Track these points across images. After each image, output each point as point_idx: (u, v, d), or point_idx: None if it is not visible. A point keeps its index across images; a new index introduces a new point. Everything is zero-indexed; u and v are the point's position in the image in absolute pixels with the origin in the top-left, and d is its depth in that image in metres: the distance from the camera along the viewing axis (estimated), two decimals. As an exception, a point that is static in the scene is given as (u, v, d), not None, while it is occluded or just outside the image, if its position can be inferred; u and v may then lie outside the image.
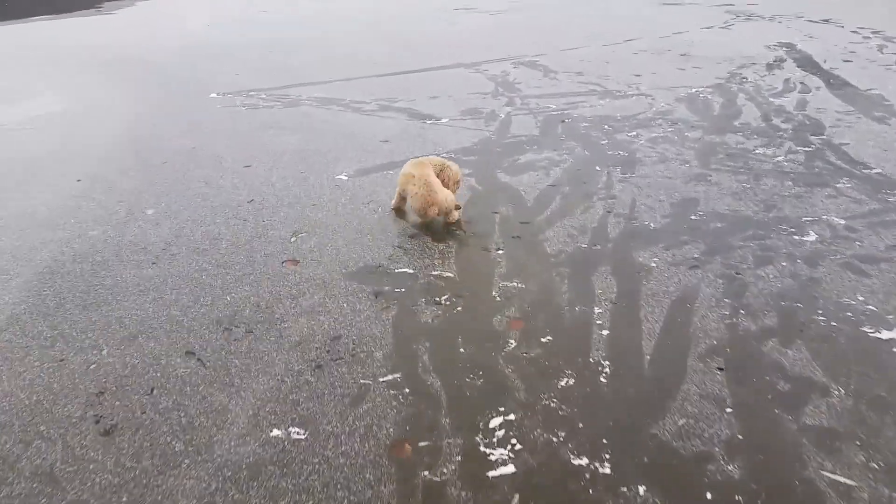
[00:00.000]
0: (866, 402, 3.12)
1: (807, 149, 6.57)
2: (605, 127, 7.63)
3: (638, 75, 10.38)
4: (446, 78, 10.67)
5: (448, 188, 5.51)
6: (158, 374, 3.44)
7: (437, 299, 4.05)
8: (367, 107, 8.95)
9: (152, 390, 3.32)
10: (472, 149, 7.03)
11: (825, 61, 10.83)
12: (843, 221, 4.89)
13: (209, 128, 8.18)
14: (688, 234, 4.82)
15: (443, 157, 5.76)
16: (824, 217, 4.98)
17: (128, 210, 5.66)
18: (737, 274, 4.23)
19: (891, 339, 3.53)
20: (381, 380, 3.32)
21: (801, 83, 9.38)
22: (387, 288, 4.21)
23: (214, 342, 3.69)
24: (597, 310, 3.87)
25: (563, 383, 3.24)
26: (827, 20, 15.78)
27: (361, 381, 3.31)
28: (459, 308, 3.95)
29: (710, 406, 3.10)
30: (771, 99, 8.59)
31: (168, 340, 3.73)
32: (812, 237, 4.66)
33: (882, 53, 11.36)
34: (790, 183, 5.69)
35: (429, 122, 8.15)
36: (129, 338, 3.78)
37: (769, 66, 10.63)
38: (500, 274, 4.35)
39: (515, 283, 4.21)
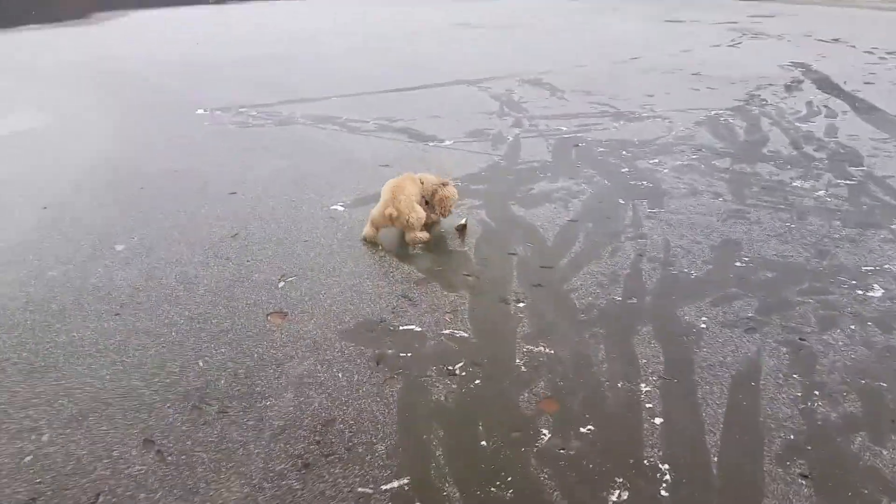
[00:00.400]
0: None
1: (848, 182, 5.97)
2: (623, 153, 7.02)
3: (650, 95, 9.81)
4: (447, 96, 10.07)
5: (439, 210, 5.02)
6: (108, 473, 2.76)
7: (451, 368, 3.40)
8: (364, 126, 8.32)
9: (98, 497, 2.64)
10: (480, 176, 6.40)
11: (845, 83, 10.30)
12: (912, 273, 4.28)
13: (193, 148, 7.52)
14: (736, 285, 4.19)
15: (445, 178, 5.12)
16: (887, 267, 4.37)
17: (95, 245, 4.98)
18: (801, 340, 3.59)
19: None
20: (383, 487, 2.65)
21: (826, 106, 8.82)
22: (390, 351, 3.55)
23: (180, 427, 3.01)
24: (644, 387, 3.23)
25: (614, 497, 2.58)
26: (836, 39, 15.32)
27: (359, 488, 2.64)
28: (478, 381, 3.30)
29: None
30: (797, 124, 8.01)
31: (124, 422, 3.06)
32: (878, 292, 4.04)
33: (904, 75, 10.83)
34: (839, 223, 5.08)
35: (431, 144, 7.52)
36: (77, 417, 3.10)
37: (788, 88, 10.08)
38: (524, 334, 3.70)
39: (542, 348, 3.56)
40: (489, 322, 3.84)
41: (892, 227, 4.99)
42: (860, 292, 4.06)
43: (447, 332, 3.73)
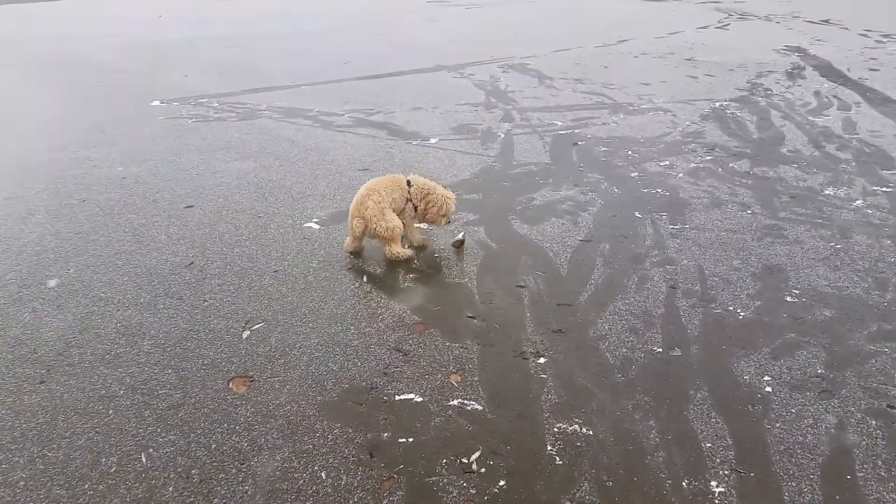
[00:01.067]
0: None
1: (886, 189, 5.35)
2: (629, 153, 6.32)
3: (646, 84, 9.12)
4: (428, 83, 9.25)
5: (430, 218, 4.38)
6: None
7: (466, 461, 2.66)
8: (339, 120, 7.49)
9: None
10: (473, 182, 5.64)
11: (849, 70, 9.72)
12: None
13: (146, 149, 6.62)
14: (793, 329, 3.52)
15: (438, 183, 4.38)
16: (964, 301, 3.74)
17: (22, 281, 4.14)
18: (890, 408, 2.93)
19: None
20: None
21: (836, 97, 8.22)
22: (386, 436, 2.81)
23: (110, 570, 2.24)
24: (716, 486, 2.53)
25: None
26: (826, 21, 14.80)
27: None
28: (502, 482, 2.57)
29: None
30: (811, 118, 7.39)
31: (34, 561, 2.27)
32: (967, 338, 3.40)
33: (907, 61, 10.30)
34: (889, 242, 4.44)
35: (415, 142, 6.73)
36: (-30, 553, 2.30)
37: (790, 75, 9.47)
38: (551, 406, 2.98)
39: (577, 427, 2.84)
40: (506, 387, 3.11)
41: (951, 246, 4.37)
42: (943, 338, 3.42)
43: (455, 402, 2.99)
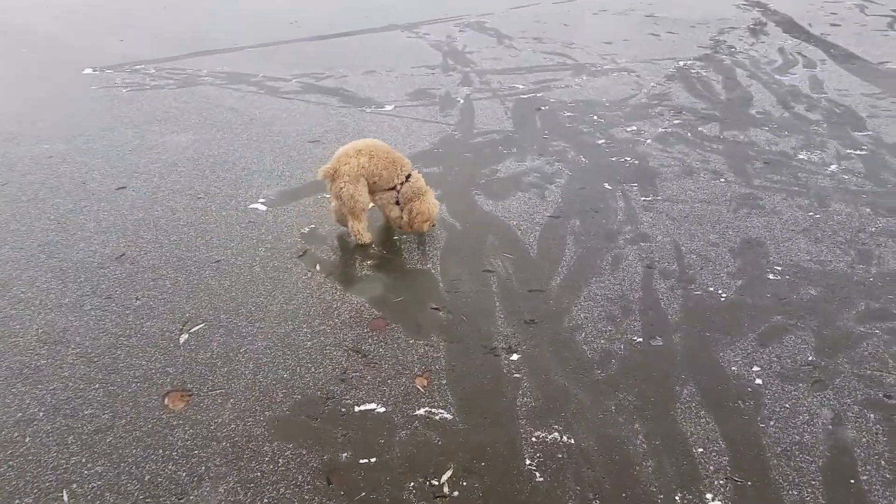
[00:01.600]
0: None
1: (859, 152, 5.17)
2: (594, 118, 6.02)
3: (608, 43, 8.78)
4: (380, 44, 8.74)
5: (414, 226, 3.91)
6: None
7: (436, 483, 2.38)
8: (286, 86, 6.98)
9: None
10: (432, 153, 5.28)
11: (810, 25, 9.54)
12: (983, 284, 3.50)
13: (76, 122, 6.05)
14: (779, 311, 3.31)
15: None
16: (952, 274, 3.57)
17: (-76, 279, 3.66)
18: (887, 398, 2.74)
19: None
20: None
21: (800, 54, 8.02)
22: (345, 456, 2.50)
23: None
24: (712, 500, 2.30)
25: None
26: (783, -26, 14.56)
27: None
28: (478, 505, 2.29)
29: None
30: (777, 77, 7.17)
31: None
32: (957, 315, 3.24)
33: (867, 15, 10.17)
34: (869, 210, 4.26)
35: (369, 109, 6.31)
36: None
37: (753, 31, 9.24)
38: (528, 410, 2.70)
39: (557, 435, 2.58)
40: (477, 390, 2.82)
41: (931, 213, 4.21)
42: (934, 316, 3.25)
43: (422, 412, 2.70)
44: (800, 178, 4.75)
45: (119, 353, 3.05)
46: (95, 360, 3.01)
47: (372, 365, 2.96)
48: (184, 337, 3.15)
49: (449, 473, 2.42)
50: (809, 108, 6.18)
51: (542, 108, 6.29)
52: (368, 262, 3.78)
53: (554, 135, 5.63)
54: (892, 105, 6.24)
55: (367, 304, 3.39)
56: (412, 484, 2.37)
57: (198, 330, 3.19)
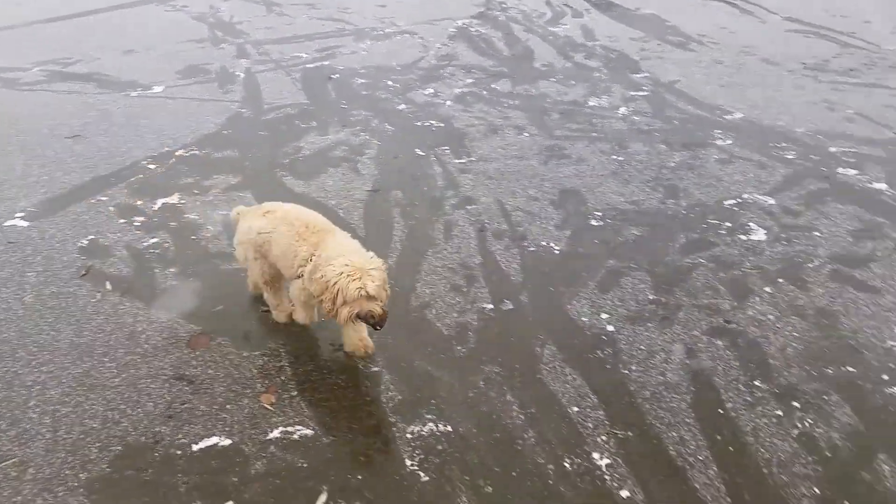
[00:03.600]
0: None
1: (641, 93, 5.52)
2: (389, 83, 5.80)
3: (382, 6, 8.58)
4: (135, 21, 7.72)
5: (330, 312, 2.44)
6: None
7: (312, 512, 2.05)
8: (26, 76, 5.88)
9: None
10: (222, 136, 4.73)
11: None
12: (771, 200, 3.87)
13: None
14: (610, 255, 3.37)
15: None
16: (746, 197, 3.91)
17: None
18: (727, 323, 2.89)
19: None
20: None
21: (566, 5, 8.45)
22: (195, 506, 2.07)
23: None
24: (600, 459, 2.23)
25: None
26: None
27: None
28: (365, 528, 2.01)
29: None
30: (551, 29, 7.48)
31: None
32: (760, 234, 3.54)
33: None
34: (664, 146, 4.55)
35: (135, 93, 5.51)
36: None
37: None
38: (395, 405, 2.46)
39: (432, 425, 2.37)
40: (334, 395, 2.51)
41: (717, 143, 4.59)
42: (743, 237, 3.51)
43: (276, 434, 2.33)
44: (595, 124, 4.94)
45: None
46: None
47: (202, 391, 2.50)
48: (-58, 401, 2.44)
49: (323, 498, 2.10)
50: (588, 57, 6.49)
51: (333, 76, 5.93)
52: (171, 270, 3.23)
53: (352, 104, 5.32)
54: (657, 47, 6.77)
55: (180, 321, 2.88)
56: (279, 526, 2.02)
57: (-40, 389, 2.49)
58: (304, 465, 2.21)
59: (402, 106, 5.29)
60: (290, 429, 2.34)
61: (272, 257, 2.63)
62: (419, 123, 4.96)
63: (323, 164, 4.31)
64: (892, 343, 2.77)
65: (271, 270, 2.71)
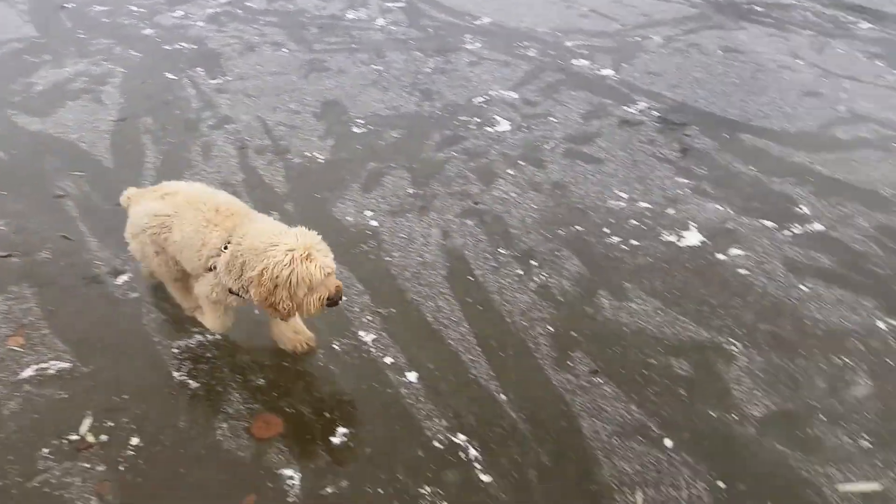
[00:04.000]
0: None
1: (398, 4, 5.59)
2: (133, 8, 5.37)
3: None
4: None
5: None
6: None
7: (75, 437, 2.02)
8: None
9: None
10: (-68, 79, 4.13)
11: None
12: (514, 94, 4.19)
13: None
14: (372, 158, 3.51)
15: None
16: (493, 94, 4.19)
17: None
18: (476, 205, 3.16)
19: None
20: None
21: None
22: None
23: None
24: (365, 336, 2.40)
25: None
26: None
27: None
28: (135, 440, 2.03)
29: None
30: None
31: None
32: (505, 125, 3.84)
33: None
34: (420, 53, 4.71)
35: None
36: None
37: None
38: (158, 325, 2.44)
39: (199, 336, 2.38)
40: (92, 326, 2.43)
41: (468, 46, 4.82)
42: (490, 129, 3.79)
43: (30, 372, 2.22)
44: (354, 36, 4.96)
45: None
46: None
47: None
48: None
49: (88, 422, 2.07)
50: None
51: (67, 5, 5.34)
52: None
53: (92, 33, 4.86)
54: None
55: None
56: (46, 450, 1.97)
57: None
58: (65, 397, 2.15)
59: (149, 31, 4.93)
60: (44, 365, 2.25)
61: (171, 247, 2.18)
62: (168, 47, 4.67)
63: (60, 97, 3.94)
64: (612, 203, 3.21)
65: (179, 266, 2.25)
